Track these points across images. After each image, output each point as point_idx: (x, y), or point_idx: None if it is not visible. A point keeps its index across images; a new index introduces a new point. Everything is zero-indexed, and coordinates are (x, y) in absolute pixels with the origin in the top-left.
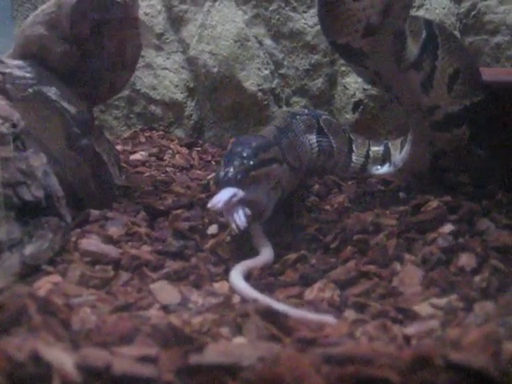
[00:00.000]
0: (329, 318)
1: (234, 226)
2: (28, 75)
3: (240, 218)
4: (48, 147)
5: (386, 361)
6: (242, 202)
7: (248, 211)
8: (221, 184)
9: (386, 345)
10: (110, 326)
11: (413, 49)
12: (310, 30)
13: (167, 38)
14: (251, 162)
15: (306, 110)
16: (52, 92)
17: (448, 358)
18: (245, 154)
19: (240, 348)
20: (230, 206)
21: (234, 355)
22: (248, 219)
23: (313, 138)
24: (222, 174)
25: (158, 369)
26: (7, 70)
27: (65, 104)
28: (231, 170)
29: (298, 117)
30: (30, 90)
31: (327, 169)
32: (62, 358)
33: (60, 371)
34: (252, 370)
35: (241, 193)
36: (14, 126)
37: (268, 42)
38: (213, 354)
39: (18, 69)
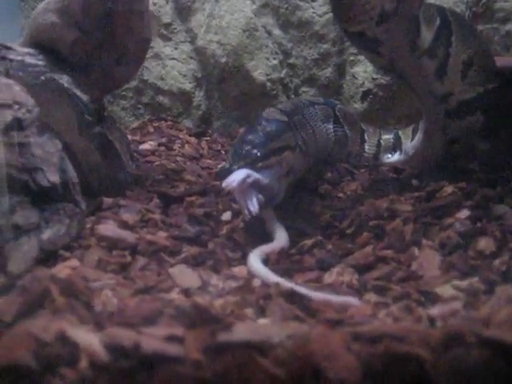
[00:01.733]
0: (352, 300)
1: (246, 211)
2: (40, 63)
3: (253, 203)
4: (61, 134)
5: (417, 338)
6: (255, 186)
7: (261, 197)
8: (231, 171)
9: (414, 324)
10: (133, 307)
11: (427, 35)
12: (319, 20)
13: (175, 28)
14: (262, 151)
15: (322, 99)
16: (64, 80)
17: (480, 334)
18: (256, 143)
19: (268, 327)
20: (244, 187)
21: (262, 333)
22: (260, 205)
23: (330, 128)
24: (232, 161)
25: (185, 348)
26: (19, 58)
27: (77, 92)
28: (242, 158)
29: (316, 106)
30: (42, 78)
31: (341, 158)
32: (88, 337)
33: (87, 350)
34: (283, 348)
35: (255, 174)
36: (29, 111)
37: (276, 31)
38: (241, 332)
39: (30, 56)
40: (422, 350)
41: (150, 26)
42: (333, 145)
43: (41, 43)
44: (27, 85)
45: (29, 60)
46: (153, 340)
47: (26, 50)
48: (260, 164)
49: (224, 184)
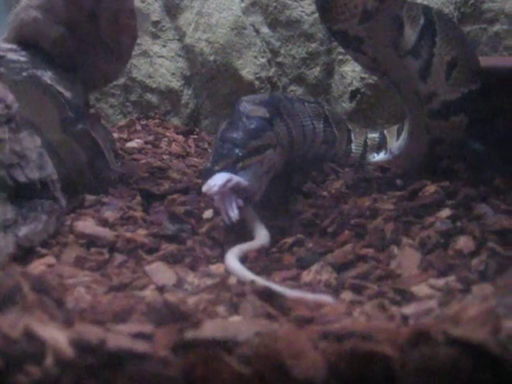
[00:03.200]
0: (327, 298)
1: (226, 217)
2: (22, 59)
3: (233, 209)
4: (42, 132)
5: (385, 336)
6: (235, 189)
7: (240, 202)
8: (213, 171)
9: (385, 322)
10: (105, 304)
11: (410, 35)
12: (308, 19)
13: (163, 26)
14: (244, 151)
15: (312, 99)
16: (47, 76)
17: (447, 332)
18: (237, 142)
19: (237, 324)
20: (225, 191)
21: (230, 331)
22: (240, 209)
23: (320, 126)
24: (214, 160)
25: (153, 345)
26: (1, 54)
27: (60, 88)
28: (223, 157)
29: (305, 103)
30: (24, 74)
31: (327, 158)
32: (55, 334)
33: (53, 347)
34: (249, 345)
35: (236, 178)
36: (8, 107)
37: (265, 30)
38: (209, 329)
39: (12, 52)
40: (388, 348)
41: (136, 23)
42: (321, 143)
43: (24, 39)
44: (9, 81)
45: (11, 56)
46: (120, 337)
47: (9, 45)
48: (241, 164)
49: (204, 188)
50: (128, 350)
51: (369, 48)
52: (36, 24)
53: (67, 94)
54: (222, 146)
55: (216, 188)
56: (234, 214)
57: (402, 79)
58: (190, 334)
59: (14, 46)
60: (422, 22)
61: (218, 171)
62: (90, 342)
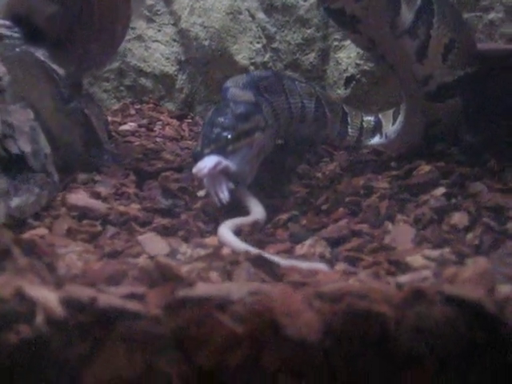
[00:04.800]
0: (321, 266)
1: (216, 199)
2: (15, 35)
3: (223, 191)
4: (35, 108)
5: (380, 296)
6: (225, 172)
7: (231, 184)
8: (203, 154)
9: (380, 285)
10: (97, 270)
11: (407, 15)
12: (303, 4)
13: (158, 10)
14: (232, 134)
15: (304, 80)
16: (40, 53)
17: (443, 292)
18: (226, 125)
19: (230, 285)
20: (215, 174)
21: (223, 290)
22: (231, 192)
23: (311, 106)
24: (203, 144)
25: (145, 304)
26: None
27: (53, 66)
28: (212, 141)
29: (296, 82)
30: (17, 50)
31: (319, 139)
32: (46, 294)
33: (44, 306)
34: (242, 304)
35: (225, 162)
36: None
37: (260, 15)
38: (202, 289)
39: (5, 28)
40: (383, 307)
41: (131, 7)
42: (311, 123)
43: (17, 16)
44: (1, 56)
45: (4, 32)
46: (111, 296)
47: (2, 21)
48: (230, 147)
49: (194, 170)
50: (119, 309)
51: (365, 27)
52: (30, 1)
53: (60, 72)
54: (211, 130)
55: (206, 170)
56: (224, 195)
57: (398, 60)
58: (182, 293)
59: (7, 22)
60: (419, 2)
61: (208, 154)
62: (80, 301)
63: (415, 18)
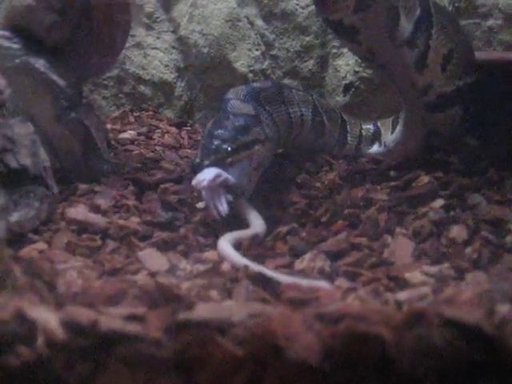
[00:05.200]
0: (323, 284)
1: (215, 212)
2: (15, 46)
3: (222, 203)
4: (35, 120)
5: (380, 318)
6: (225, 185)
7: (229, 197)
8: (202, 166)
9: (379, 306)
10: (97, 288)
11: (406, 25)
12: (302, 11)
13: (157, 17)
14: (232, 146)
15: (301, 87)
16: (40, 64)
17: (442, 314)
18: (225, 138)
19: (230, 306)
20: (214, 186)
21: (223, 312)
22: (230, 205)
23: (308, 115)
24: (202, 156)
25: (145, 326)
26: None
27: (53, 76)
28: (212, 153)
29: (293, 90)
30: (17, 61)
31: (317, 147)
32: (46, 315)
33: (44, 328)
34: (242, 327)
35: (224, 174)
36: (0, 92)
37: (259, 22)
38: (202, 311)
39: (5, 39)
40: (383, 329)
41: (130, 15)
42: (309, 131)
43: (17, 26)
44: (2, 68)
45: (4, 43)
46: (112, 319)
47: (1, 32)
48: (230, 159)
49: (194, 182)
50: (120, 332)
51: (364, 38)
52: (29, 11)
53: (60, 82)
54: (211, 142)
55: (205, 183)
56: (223, 208)
57: (398, 71)
58: (182, 316)
59: (7, 33)
60: (418, 13)
61: (207, 166)
62: (81, 324)
63: (414, 28)
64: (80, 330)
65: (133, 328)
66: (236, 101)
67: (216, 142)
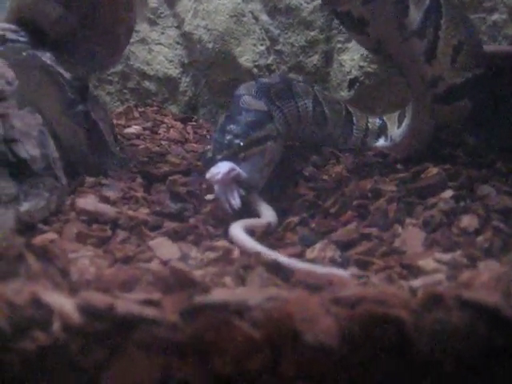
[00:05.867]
0: (340, 272)
1: (227, 205)
2: (22, 39)
3: (234, 197)
4: (42, 112)
5: (397, 301)
6: (237, 179)
7: (242, 191)
8: (215, 160)
9: (396, 290)
10: (110, 275)
11: (415, 16)
12: (307, 6)
13: (162, 13)
14: (245, 141)
15: (300, 78)
16: (47, 57)
17: (461, 296)
18: (238, 133)
19: (246, 290)
20: (227, 180)
21: (240, 296)
22: (242, 199)
23: (309, 105)
24: (215, 150)
25: (161, 311)
26: (0, 33)
27: (60, 69)
28: (225, 147)
29: (294, 82)
30: (24, 54)
31: (320, 139)
32: (62, 300)
33: (60, 313)
34: (260, 310)
35: (237, 169)
36: (9, 83)
37: (264, 17)
38: (218, 294)
39: (12, 32)
40: (401, 311)
41: (135, 9)
42: (310, 122)
43: (23, 20)
44: (8, 60)
45: (10, 36)
46: (128, 302)
47: (7, 25)
48: (242, 154)
49: (208, 175)
50: (137, 316)
51: (373, 30)
52: (35, 4)
53: (67, 75)
54: (223, 137)
55: (220, 176)
56: (235, 202)
57: (407, 62)
58: (199, 299)
59: (13, 26)
60: (427, 2)
61: (220, 160)
62: (97, 308)
63: (423, 18)
64: (96, 314)
65: (150, 312)
66: (248, 96)
67: (228, 137)
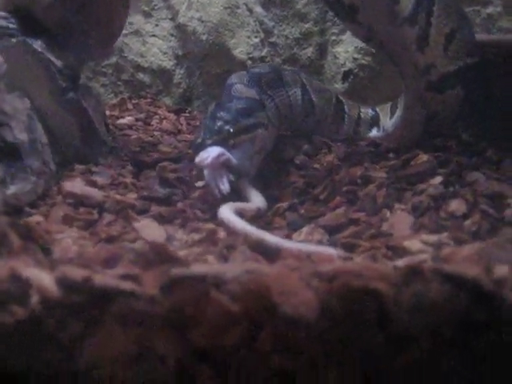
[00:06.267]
0: (331, 250)
1: (216, 190)
2: (12, 26)
3: (223, 182)
4: (32, 99)
5: (377, 275)
6: (227, 164)
7: (231, 177)
8: (204, 145)
9: (377, 264)
10: (92, 253)
11: (407, 3)
12: None
13: (156, 5)
14: (235, 128)
15: (287, 67)
16: (37, 44)
17: (441, 270)
18: (228, 119)
19: (225, 264)
20: (217, 165)
21: (219, 269)
22: (231, 184)
23: (299, 94)
24: (205, 136)
25: (140, 284)
26: None
27: (51, 56)
28: (214, 133)
29: (284, 71)
30: (14, 40)
31: (311, 128)
32: (41, 274)
33: (38, 287)
34: (238, 282)
35: (227, 154)
36: None
37: (258, 9)
38: (197, 268)
39: (2, 19)
40: (380, 284)
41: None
42: (300, 110)
43: (15, 6)
44: None
45: (0, 22)
46: (106, 276)
47: None
48: (232, 141)
49: (197, 159)
50: (115, 288)
51: (364, 17)
52: None
53: (58, 63)
54: (214, 123)
55: (209, 160)
56: (224, 187)
57: (399, 50)
58: (176, 271)
59: (4, 13)
60: None
61: (210, 145)
62: (75, 281)
63: (415, 4)
64: (74, 286)
65: (127, 286)
66: (240, 85)
67: (219, 123)
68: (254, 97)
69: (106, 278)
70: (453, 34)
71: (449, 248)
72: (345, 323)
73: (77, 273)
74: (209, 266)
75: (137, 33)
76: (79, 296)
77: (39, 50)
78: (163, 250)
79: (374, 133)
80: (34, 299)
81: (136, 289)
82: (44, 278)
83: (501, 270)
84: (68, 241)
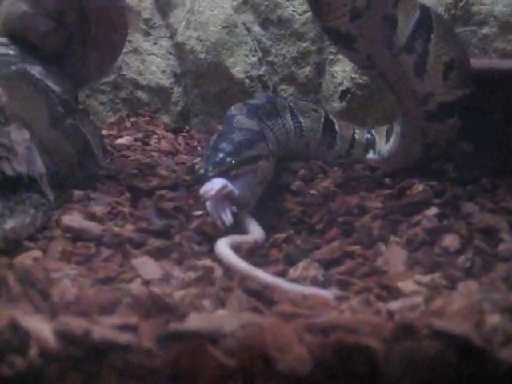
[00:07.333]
0: (326, 293)
1: (219, 222)
2: (11, 52)
3: (226, 214)
4: (31, 126)
5: (369, 330)
6: (230, 196)
7: (234, 208)
8: (207, 177)
9: (370, 316)
10: (90, 297)
11: (404, 31)
12: (299, 18)
13: (155, 23)
14: (236, 159)
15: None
16: (36, 70)
17: (431, 325)
18: (230, 151)
19: (221, 317)
20: (220, 197)
21: (215, 323)
22: (234, 216)
23: (289, 120)
24: (207, 167)
25: (137, 336)
26: None
27: (49, 83)
28: (216, 165)
29: (277, 99)
30: (13, 68)
31: (301, 150)
32: (40, 325)
33: (38, 338)
34: (234, 337)
35: (230, 186)
36: None
37: (256, 28)
38: (194, 321)
39: (1, 46)
40: (372, 341)
41: (128, 20)
42: (292, 135)
43: (12, 33)
44: None
45: (0, 49)
46: (104, 328)
47: None
48: (234, 172)
49: (202, 191)
50: (112, 341)
51: (361, 46)
52: (25, 18)
53: (56, 89)
54: (216, 155)
55: (213, 192)
56: (227, 218)
57: (397, 78)
58: (174, 326)
59: (3, 40)
60: (417, 15)
61: (213, 177)
62: (74, 333)
63: (412, 31)
64: (73, 339)
65: (125, 338)
66: (241, 116)
67: (221, 155)
68: (254, 128)
69: (104, 331)
70: (452, 63)
71: (440, 300)
72: (336, 378)
73: (76, 324)
74: (205, 317)
75: (135, 51)
76: (78, 349)
77: (38, 76)
78: (160, 299)
79: (370, 156)
80: (34, 351)
81: (133, 341)
82: (43, 329)
83: (493, 319)
84: (66, 282)
